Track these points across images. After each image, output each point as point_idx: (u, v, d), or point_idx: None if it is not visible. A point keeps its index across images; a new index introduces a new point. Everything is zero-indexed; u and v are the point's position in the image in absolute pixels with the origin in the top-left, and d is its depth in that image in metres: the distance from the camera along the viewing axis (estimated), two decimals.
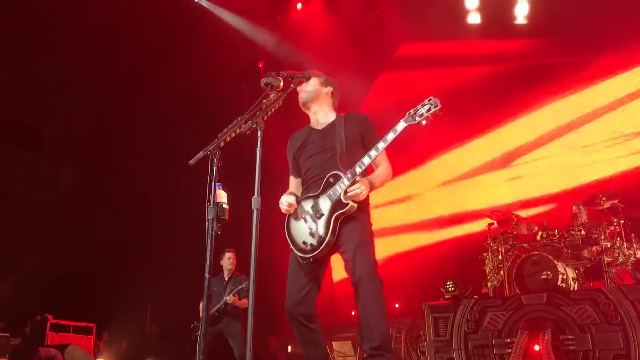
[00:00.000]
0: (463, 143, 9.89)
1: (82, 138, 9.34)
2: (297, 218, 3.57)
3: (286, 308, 3.51)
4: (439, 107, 3.26)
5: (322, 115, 3.77)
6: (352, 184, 3.37)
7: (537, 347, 5.08)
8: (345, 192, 3.36)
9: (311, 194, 3.55)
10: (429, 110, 3.26)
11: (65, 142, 9.44)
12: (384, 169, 3.58)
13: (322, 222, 3.44)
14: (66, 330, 8.38)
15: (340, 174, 3.43)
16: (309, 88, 3.72)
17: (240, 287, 6.64)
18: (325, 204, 3.45)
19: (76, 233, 9.20)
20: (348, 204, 3.37)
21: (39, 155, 9.36)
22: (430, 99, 3.28)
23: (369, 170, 3.53)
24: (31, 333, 8.28)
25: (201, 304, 6.97)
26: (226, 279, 6.92)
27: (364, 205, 3.49)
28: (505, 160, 9.57)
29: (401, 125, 3.31)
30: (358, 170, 3.36)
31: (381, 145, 3.34)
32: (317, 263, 3.51)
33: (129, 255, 9.35)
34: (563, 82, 8.93)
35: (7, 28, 8.25)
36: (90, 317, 8.80)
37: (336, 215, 3.39)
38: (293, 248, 3.55)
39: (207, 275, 3.19)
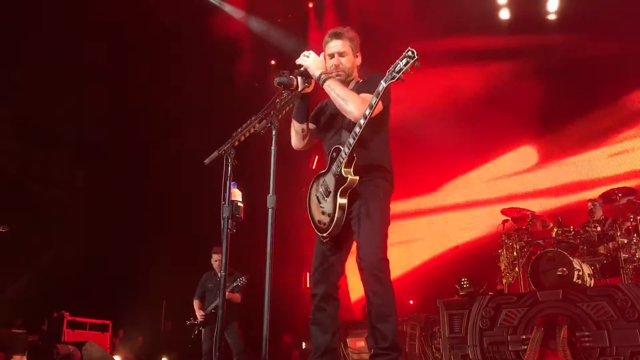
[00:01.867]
0: (478, 139, 9.77)
1: (97, 136, 9.40)
2: (313, 197, 3.51)
3: (309, 287, 3.52)
4: (416, 58, 3.00)
5: (346, 84, 3.51)
6: (350, 159, 3.26)
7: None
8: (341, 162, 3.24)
9: (321, 172, 3.49)
10: (407, 63, 3.02)
11: (80, 140, 9.51)
12: (356, 95, 3.34)
13: (330, 200, 3.36)
14: (82, 328, 8.49)
15: (340, 147, 3.32)
16: (348, 65, 3.51)
17: (234, 284, 6.64)
18: (331, 181, 3.37)
19: (92, 231, 9.28)
20: (347, 177, 3.26)
21: (55, 153, 9.44)
22: (408, 50, 3.04)
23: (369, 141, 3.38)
24: (48, 330, 8.39)
25: (195, 301, 7.06)
26: (219, 275, 6.94)
27: (378, 177, 3.38)
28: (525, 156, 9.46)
29: (382, 87, 3.11)
30: (351, 141, 3.22)
31: (367, 111, 3.16)
32: (337, 242, 3.42)
33: (145, 253, 9.42)
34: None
35: (21, 26, 8.33)
36: (106, 315, 8.89)
37: (341, 191, 3.28)
38: (313, 227, 3.48)
39: (222, 273, 3.21)
